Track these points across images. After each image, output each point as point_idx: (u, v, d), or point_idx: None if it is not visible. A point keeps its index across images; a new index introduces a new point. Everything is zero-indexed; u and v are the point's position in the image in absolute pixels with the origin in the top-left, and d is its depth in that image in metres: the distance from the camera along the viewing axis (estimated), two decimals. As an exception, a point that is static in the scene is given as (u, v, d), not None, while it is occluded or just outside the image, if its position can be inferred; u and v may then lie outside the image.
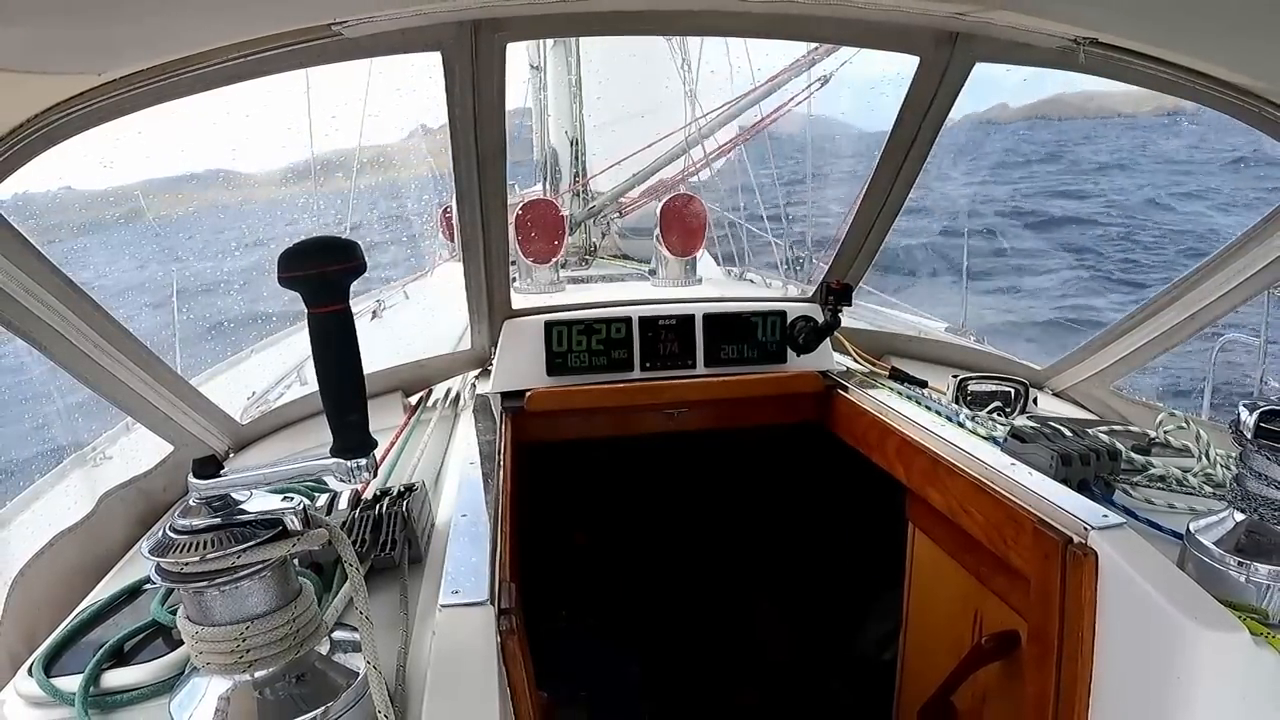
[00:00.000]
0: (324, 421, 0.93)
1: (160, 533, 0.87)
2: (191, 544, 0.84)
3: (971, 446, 1.70)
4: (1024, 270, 15.01)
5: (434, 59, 1.71)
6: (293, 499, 0.92)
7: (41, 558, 1.54)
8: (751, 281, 5.50)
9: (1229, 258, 2.04)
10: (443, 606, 1.10)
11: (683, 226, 4.11)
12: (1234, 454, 1.22)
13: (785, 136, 6.33)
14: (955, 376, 2.24)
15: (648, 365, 2.30)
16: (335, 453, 0.92)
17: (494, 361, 2.28)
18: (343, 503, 1.47)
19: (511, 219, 3.57)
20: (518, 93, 5.52)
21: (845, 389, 2.26)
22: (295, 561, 0.96)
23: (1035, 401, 2.25)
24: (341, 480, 0.94)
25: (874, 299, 5.10)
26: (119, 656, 1.15)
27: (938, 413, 1.99)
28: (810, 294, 2.56)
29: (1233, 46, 1.55)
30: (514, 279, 3.23)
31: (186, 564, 0.84)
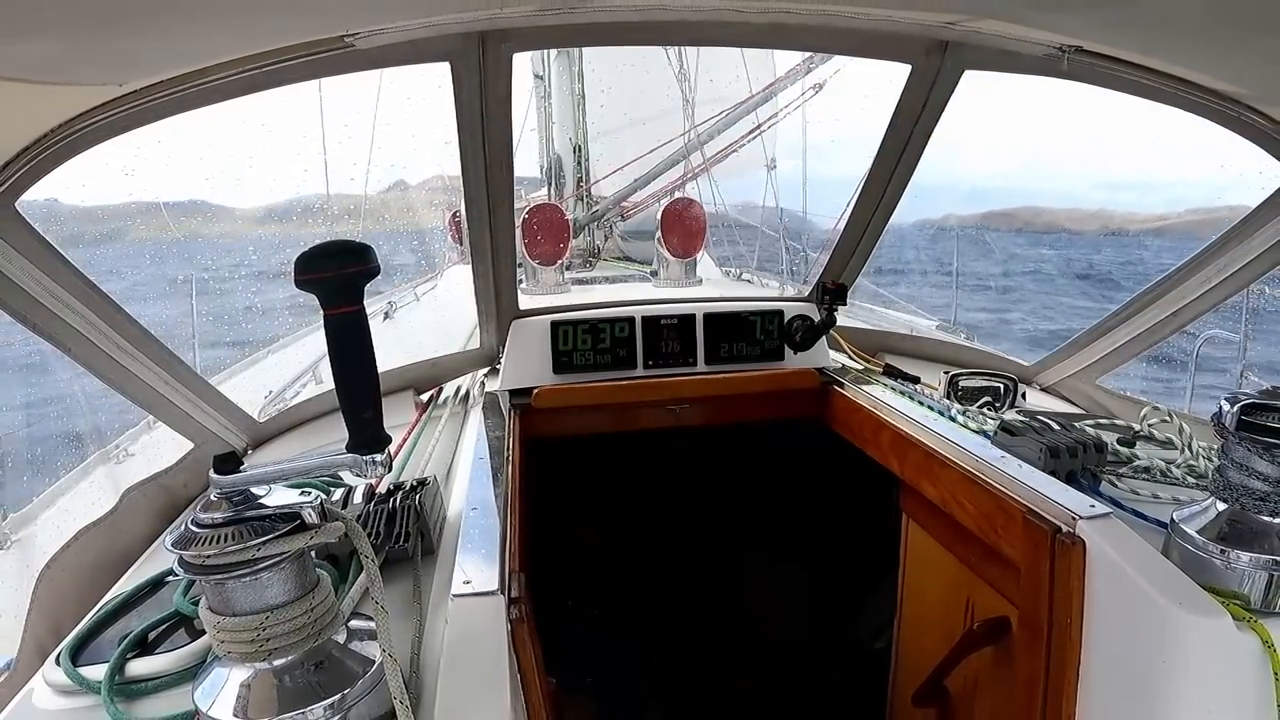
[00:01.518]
0: (339, 419, 0.93)
1: (182, 527, 0.87)
2: (212, 537, 0.84)
3: (963, 440, 1.69)
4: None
5: (443, 69, 1.71)
6: (310, 493, 0.92)
7: (67, 551, 1.54)
8: (749, 282, 5.51)
9: (1209, 257, 2.04)
10: (455, 596, 1.10)
11: (683, 229, 4.11)
12: (1215, 446, 1.22)
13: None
14: (947, 373, 2.23)
15: (650, 363, 2.30)
16: (350, 448, 0.92)
17: (502, 360, 2.28)
18: (358, 497, 1.48)
19: (518, 223, 3.56)
20: (523, 101, 5.53)
21: (841, 385, 2.26)
22: (313, 554, 0.96)
23: (1024, 397, 2.24)
24: (356, 475, 0.94)
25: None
26: (143, 646, 1.15)
27: (930, 408, 1.99)
28: (807, 294, 2.55)
29: (1212, 54, 1.55)
30: (521, 280, 3.23)
31: (208, 557, 0.84)
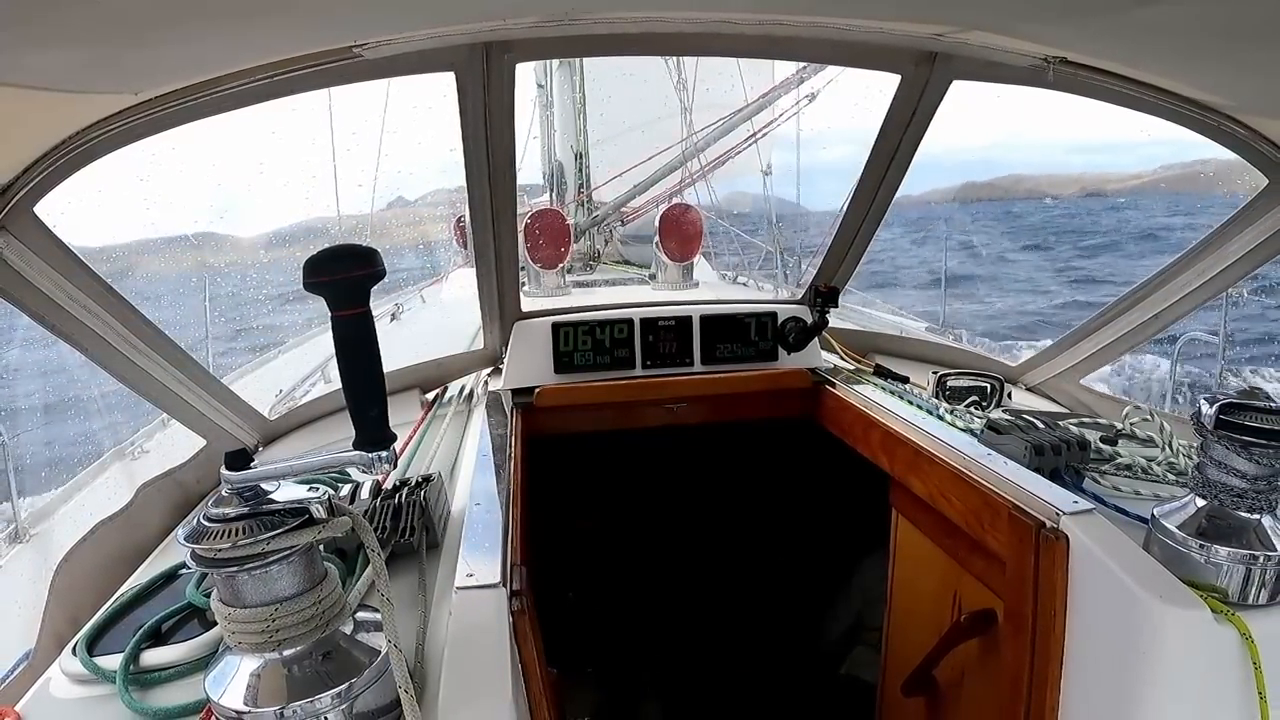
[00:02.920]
0: (347, 417, 0.93)
1: (195, 521, 0.87)
2: (224, 531, 0.84)
3: (950, 438, 1.69)
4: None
5: (448, 79, 1.71)
6: (318, 489, 0.92)
7: (84, 545, 1.54)
8: (745, 285, 5.52)
9: (1190, 261, 2.04)
10: (458, 589, 1.10)
11: (680, 233, 4.12)
12: (1195, 444, 1.22)
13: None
14: (935, 373, 2.24)
15: (648, 363, 2.30)
16: (358, 446, 0.92)
17: (505, 360, 2.28)
18: (365, 492, 1.47)
19: (521, 228, 3.56)
20: (526, 109, 5.53)
21: (832, 385, 2.26)
22: (321, 547, 0.96)
23: (1010, 396, 2.24)
24: (363, 471, 0.94)
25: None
26: (157, 637, 1.15)
27: (919, 406, 1.99)
28: (800, 296, 2.55)
29: (1193, 65, 1.55)
30: (523, 283, 3.23)
31: (219, 550, 0.84)
